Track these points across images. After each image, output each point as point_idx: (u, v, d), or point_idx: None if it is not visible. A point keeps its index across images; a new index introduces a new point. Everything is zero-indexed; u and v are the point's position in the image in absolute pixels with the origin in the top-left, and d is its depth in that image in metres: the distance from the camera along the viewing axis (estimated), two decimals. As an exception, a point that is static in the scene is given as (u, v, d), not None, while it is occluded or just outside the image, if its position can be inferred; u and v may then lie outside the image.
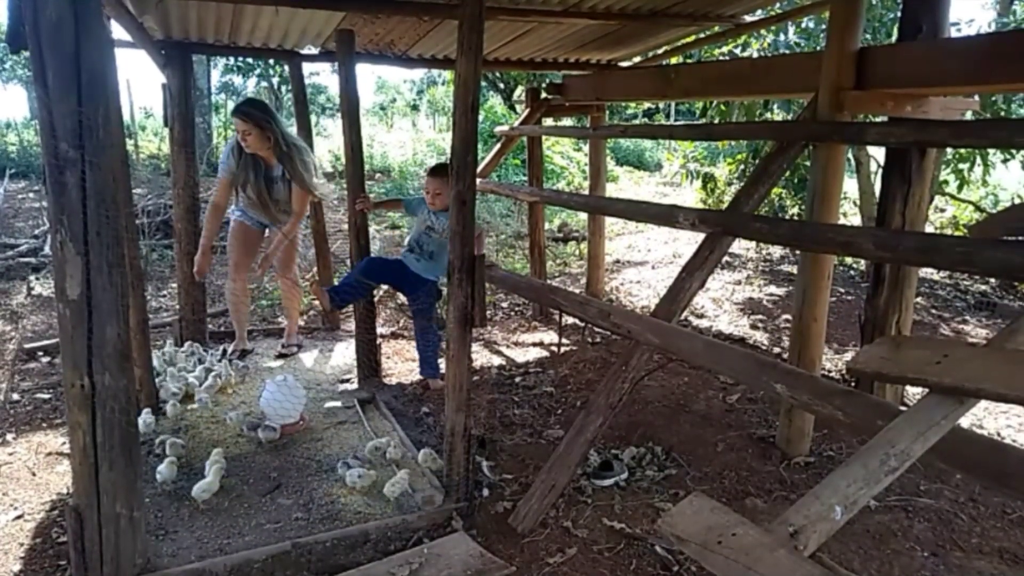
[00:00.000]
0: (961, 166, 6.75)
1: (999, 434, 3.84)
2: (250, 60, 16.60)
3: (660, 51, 5.64)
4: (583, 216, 8.72)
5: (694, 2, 4.23)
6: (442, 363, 3.64)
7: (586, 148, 7.40)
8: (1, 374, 4.33)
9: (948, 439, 1.58)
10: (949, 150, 6.61)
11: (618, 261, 8.15)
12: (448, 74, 16.20)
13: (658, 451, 3.49)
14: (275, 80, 19.63)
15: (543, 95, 5.90)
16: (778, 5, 5.21)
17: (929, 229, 6.95)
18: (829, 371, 4.66)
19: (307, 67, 7.33)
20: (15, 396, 4.06)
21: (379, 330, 4.71)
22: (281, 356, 4.70)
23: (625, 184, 13.80)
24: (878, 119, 3.72)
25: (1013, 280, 6.04)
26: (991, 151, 6.59)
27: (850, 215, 9.13)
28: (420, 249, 4.12)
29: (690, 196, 10.35)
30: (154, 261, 6.96)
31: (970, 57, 2.85)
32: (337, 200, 9.92)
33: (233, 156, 4.30)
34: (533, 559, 2.68)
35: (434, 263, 4.13)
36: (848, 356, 4.87)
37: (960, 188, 6.97)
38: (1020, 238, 2.16)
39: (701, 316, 6.08)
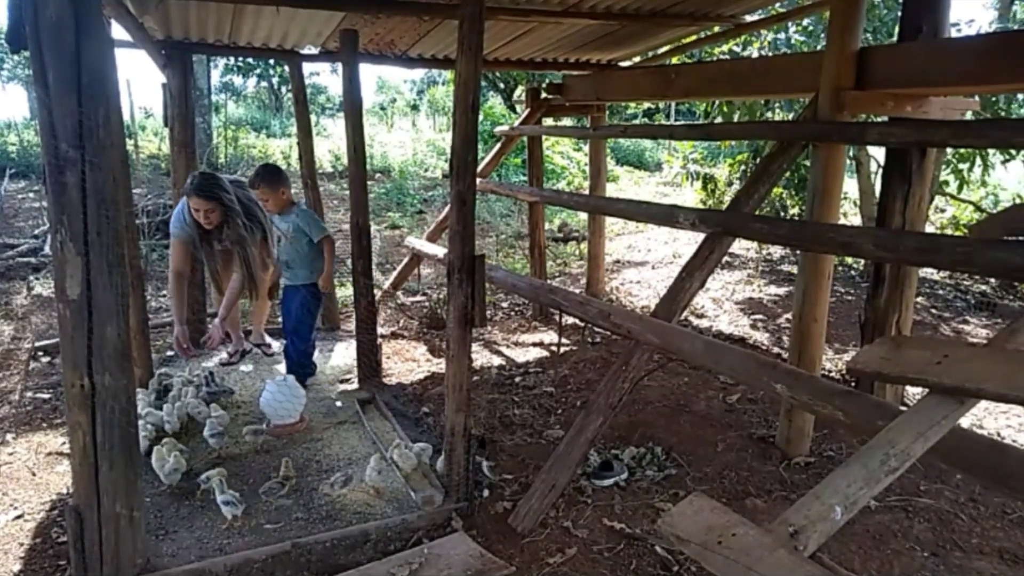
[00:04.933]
0: (961, 166, 6.74)
1: (999, 434, 3.84)
2: (250, 60, 16.62)
3: (660, 51, 5.64)
4: (583, 216, 8.72)
5: (694, 2, 4.23)
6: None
7: (586, 148, 7.40)
8: (5, 374, 4.33)
9: (948, 439, 1.58)
10: (949, 150, 6.61)
11: (618, 261, 8.15)
12: (448, 74, 16.22)
13: (658, 451, 3.49)
14: (275, 80, 19.66)
15: (543, 95, 5.90)
16: (778, 5, 5.20)
17: (929, 229, 6.95)
18: (829, 371, 4.65)
19: (307, 67, 7.34)
20: (19, 396, 4.06)
21: (379, 330, 4.70)
22: (227, 364, 4.45)
23: (625, 184, 13.80)
24: (878, 119, 3.72)
25: (1013, 280, 6.04)
26: (991, 151, 6.59)
27: (850, 215, 9.13)
28: (283, 262, 4.09)
29: (690, 196, 10.34)
30: (154, 261, 6.95)
31: (970, 57, 2.85)
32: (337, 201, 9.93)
33: (185, 220, 4.02)
34: (533, 559, 2.67)
35: (293, 271, 4.06)
36: (848, 356, 4.87)
37: (960, 188, 6.97)
38: (1020, 238, 2.16)
39: (701, 316, 6.07)
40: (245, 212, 4.05)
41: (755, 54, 6.83)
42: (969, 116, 3.62)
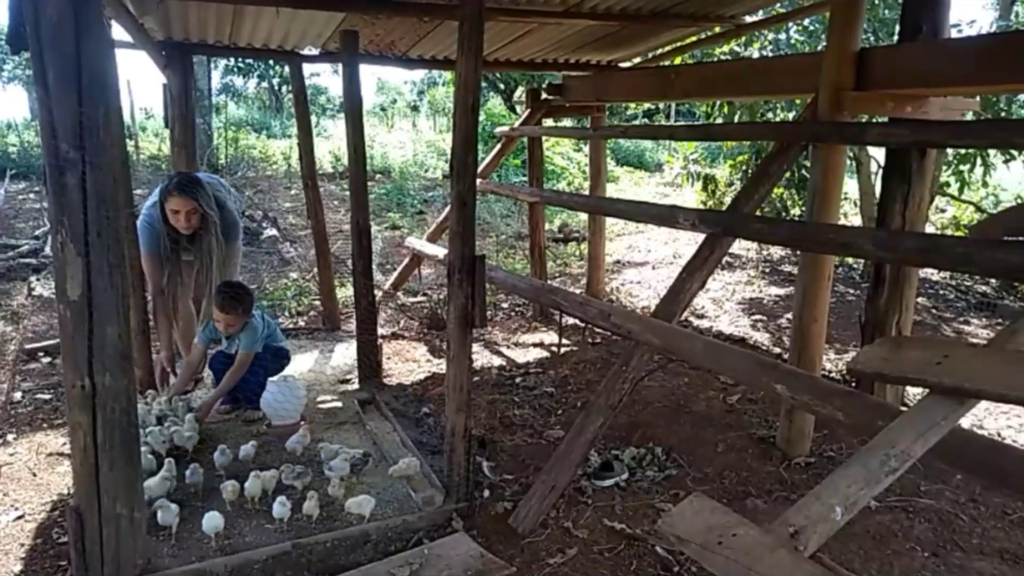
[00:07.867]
0: (962, 167, 6.74)
1: (999, 434, 3.84)
2: (250, 61, 16.62)
3: (660, 52, 5.64)
4: (583, 216, 8.72)
5: (694, 3, 4.22)
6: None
7: (586, 149, 7.40)
8: (2, 374, 4.33)
9: (948, 439, 1.58)
10: (950, 151, 6.61)
11: (618, 261, 8.15)
12: (448, 75, 16.20)
13: (658, 451, 3.48)
14: (275, 81, 19.67)
15: (543, 96, 5.90)
16: (779, 5, 5.20)
17: (929, 229, 6.94)
18: (829, 371, 4.65)
19: (307, 68, 7.34)
20: (17, 395, 4.06)
21: (380, 331, 4.70)
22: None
23: (625, 185, 13.78)
24: (878, 119, 3.72)
25: (1013, 280, 6.03)
26: (991, 152, 6.58)
27: (850, 215, 9.12)
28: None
29: (690, 197, 10.34)
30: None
31: (970, 58, 2.85)
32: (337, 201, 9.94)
33: (154, 234, 3.71)
34: (533, 560, 2.67)
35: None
36: (849, 356, 4.87)
37: (961, 189, 6.97)
38: (1020, 238, 2.16)
39: (701, 316, 6.07)
40: (222, 222, 3.73)
41: (756, 54, 6.83)
42: (969, 116, 3.63)
